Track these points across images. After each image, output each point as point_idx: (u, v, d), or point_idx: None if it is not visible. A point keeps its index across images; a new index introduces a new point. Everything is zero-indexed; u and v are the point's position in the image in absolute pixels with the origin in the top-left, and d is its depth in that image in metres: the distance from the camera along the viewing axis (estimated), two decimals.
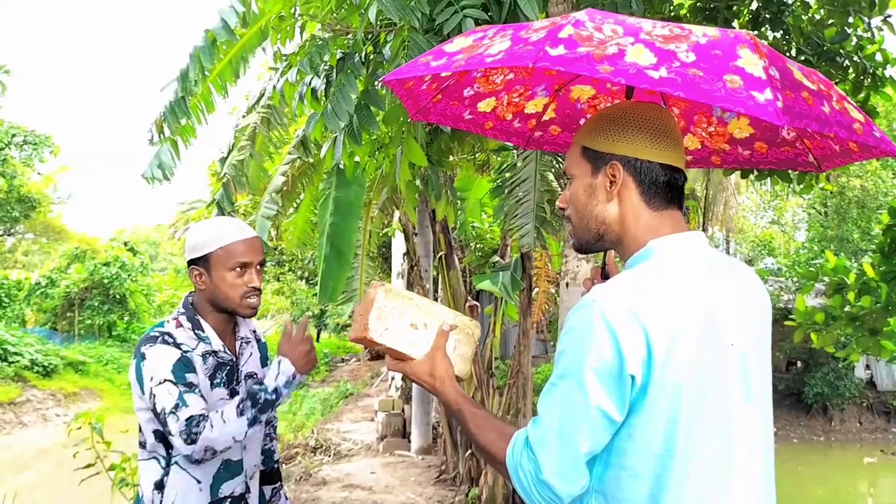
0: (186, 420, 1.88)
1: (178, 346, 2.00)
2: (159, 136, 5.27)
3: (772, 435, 1.37)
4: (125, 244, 25.61)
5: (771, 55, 1.28)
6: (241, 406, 1.95)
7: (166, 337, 2.01)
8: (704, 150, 1.86)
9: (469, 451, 7.25)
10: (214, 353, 2.09)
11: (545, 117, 1.93)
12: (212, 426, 1.89)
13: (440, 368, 1.55)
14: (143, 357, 1.98)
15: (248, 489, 2.14)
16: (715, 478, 1.26)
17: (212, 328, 2.12)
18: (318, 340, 29.66)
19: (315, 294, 9.77)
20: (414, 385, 9.75)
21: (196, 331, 2.09)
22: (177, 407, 1.90)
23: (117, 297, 24.14)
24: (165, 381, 1.93)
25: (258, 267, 2.10)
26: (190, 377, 1.97)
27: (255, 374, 2.23)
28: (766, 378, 1.38)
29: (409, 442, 9.73)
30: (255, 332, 2.30)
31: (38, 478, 10.18)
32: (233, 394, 2.11)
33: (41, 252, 29.71)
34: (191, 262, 2.10)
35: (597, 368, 1.23)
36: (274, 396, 2.00)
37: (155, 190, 5.67)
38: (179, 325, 2.08)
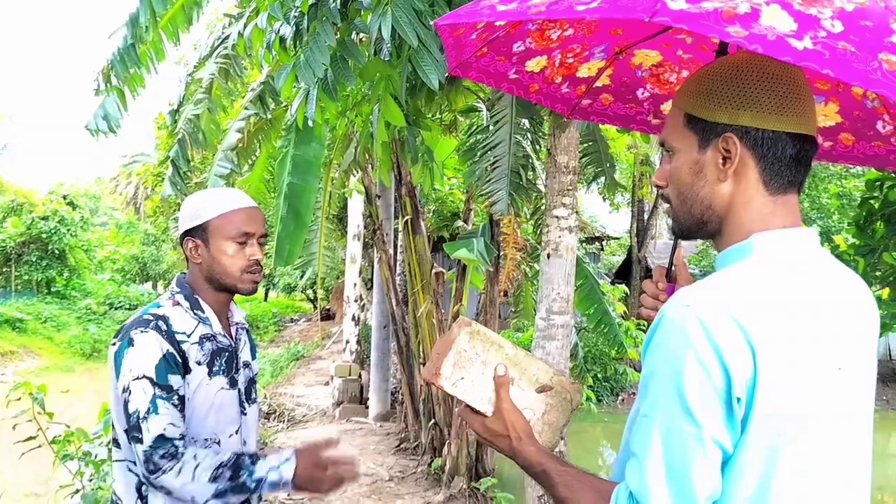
0: (153, 442, 1.69)
1: (171, 335, 1.82)
2: (105, 86, 4.88)
3: (869, 480, 1.13)
4: (64, 198, 24.54)
5: None
6: (218, 471, 1.74)
7: (160, 322, 1.82)
8: None
9: (432, 421, 7.05)
10: (213, 336, 1.92)
11: (598, 83, 1.70)
12: (178, 472, 1.70)
13: (515, 425, 1.29)
14: (130, 342, 1.78)
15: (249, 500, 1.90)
16: None
17: (210, 309, 1.95)
18: (266, 300, 29.18)
19: (269, 255, 9.39)
20: (372, 349, 9.50)
21: (195, 311, 1.92)
22: (148, 413, 1.72)
23: (56, 252, 23.31)
24: (144, 377, 1.75)
25: (260, 240, 1.95)
26: (172, 379, 1.78)
27: (250, 363, 2.08)
28: (869, 412, 1.14)
29: (367, 408, 9.54)
30: (245, 318, 2.14)
31: None
32: (232, 382, 1.94)
33: None
34: (186, 234, 1.94)
35: (701, 390, 0.98)
36: (254, 485, 1.77)
37: (97, 142, 5.29)
38: (177, 303, 1.91)
